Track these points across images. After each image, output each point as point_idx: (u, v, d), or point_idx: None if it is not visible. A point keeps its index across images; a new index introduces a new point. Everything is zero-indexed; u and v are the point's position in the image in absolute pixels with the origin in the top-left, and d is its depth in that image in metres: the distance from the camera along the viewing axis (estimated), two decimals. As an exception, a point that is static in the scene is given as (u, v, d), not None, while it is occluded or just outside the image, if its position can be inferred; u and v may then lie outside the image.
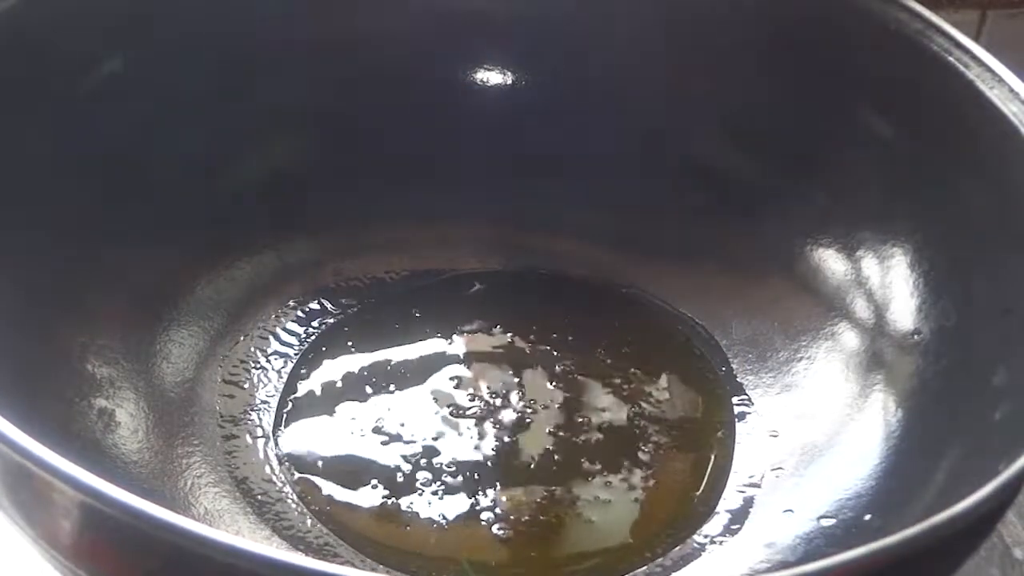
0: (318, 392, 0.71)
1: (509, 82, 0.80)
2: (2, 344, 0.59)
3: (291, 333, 0.73)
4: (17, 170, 0.64)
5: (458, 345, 0.74)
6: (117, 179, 0.69)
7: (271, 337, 0.73)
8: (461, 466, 0.67)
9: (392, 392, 0.71)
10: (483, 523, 0.65)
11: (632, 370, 0.72)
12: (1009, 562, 0.69)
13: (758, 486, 0.67)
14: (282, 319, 0.74)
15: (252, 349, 0.72)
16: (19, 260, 0.63)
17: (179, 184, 0.72)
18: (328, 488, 0.66)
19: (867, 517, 0.63)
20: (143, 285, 0.70)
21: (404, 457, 0.67)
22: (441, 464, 0.67)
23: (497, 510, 0.65)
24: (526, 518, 0.65)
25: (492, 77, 0.80)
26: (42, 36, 0.66)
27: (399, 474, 0.66)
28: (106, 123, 0.69)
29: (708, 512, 0.66)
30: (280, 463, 0.67)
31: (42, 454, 0.46)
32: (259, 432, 0.68)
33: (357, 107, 0.78)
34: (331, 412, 0.70)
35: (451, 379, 0.71)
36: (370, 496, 0.65)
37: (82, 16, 0.68)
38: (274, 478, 0.66)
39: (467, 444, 0.68)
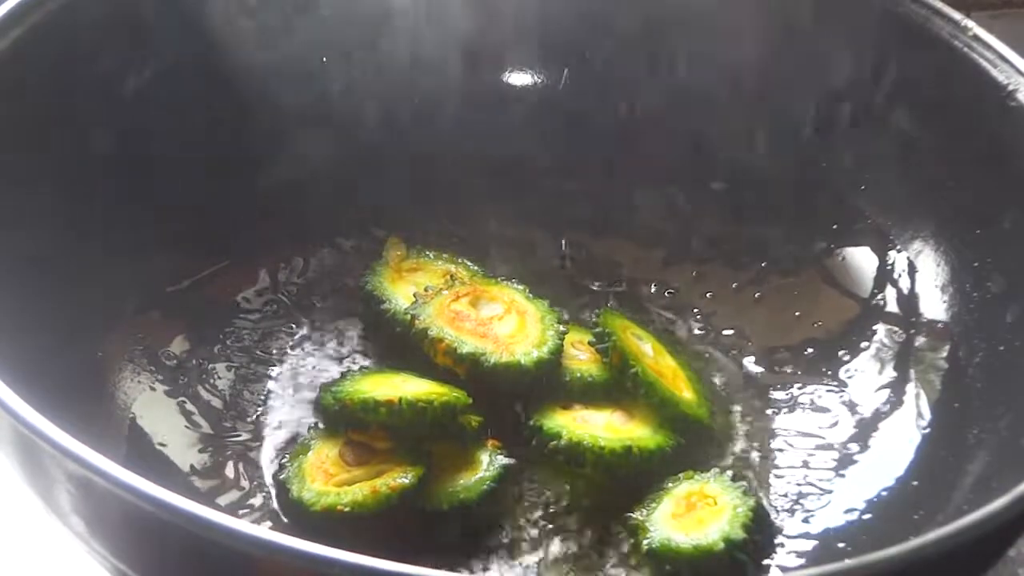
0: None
1: (542, 83, 0.82)
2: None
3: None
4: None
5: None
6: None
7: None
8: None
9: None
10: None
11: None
12: (1000, 560, 0.68)
13: (797, 481, 0.67)
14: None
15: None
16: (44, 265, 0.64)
17: (196, 189, 0.73)
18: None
19: (903, 511, 0.63)
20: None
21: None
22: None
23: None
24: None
25: (524, 79, 0.82)
26: (66, 44, 0.68)
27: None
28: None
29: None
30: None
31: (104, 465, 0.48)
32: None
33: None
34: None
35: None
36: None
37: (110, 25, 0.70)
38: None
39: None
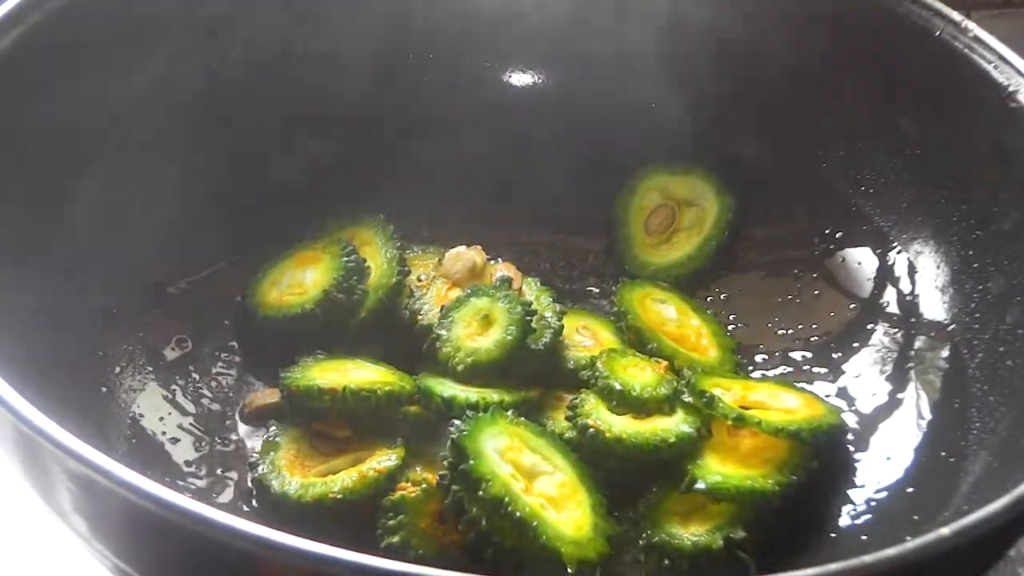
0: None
1: (538, 83, 0.82)
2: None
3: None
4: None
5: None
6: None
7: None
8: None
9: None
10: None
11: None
12: (1000, 560, 0.68)
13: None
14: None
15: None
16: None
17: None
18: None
19: (904, 511, 0.63)
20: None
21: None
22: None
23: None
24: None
25: (524, 79, 0.82)
26: (66, 44, 0.68)
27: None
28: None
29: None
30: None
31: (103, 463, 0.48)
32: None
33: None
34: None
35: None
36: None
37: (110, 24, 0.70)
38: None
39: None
